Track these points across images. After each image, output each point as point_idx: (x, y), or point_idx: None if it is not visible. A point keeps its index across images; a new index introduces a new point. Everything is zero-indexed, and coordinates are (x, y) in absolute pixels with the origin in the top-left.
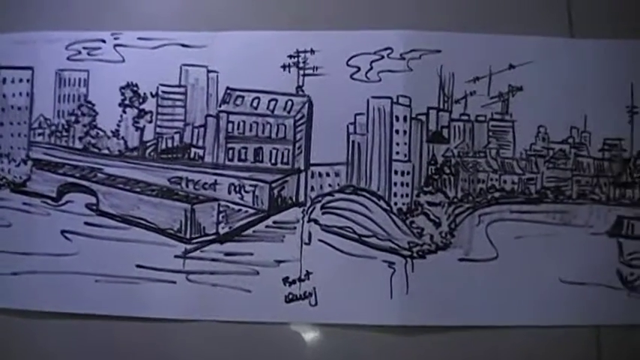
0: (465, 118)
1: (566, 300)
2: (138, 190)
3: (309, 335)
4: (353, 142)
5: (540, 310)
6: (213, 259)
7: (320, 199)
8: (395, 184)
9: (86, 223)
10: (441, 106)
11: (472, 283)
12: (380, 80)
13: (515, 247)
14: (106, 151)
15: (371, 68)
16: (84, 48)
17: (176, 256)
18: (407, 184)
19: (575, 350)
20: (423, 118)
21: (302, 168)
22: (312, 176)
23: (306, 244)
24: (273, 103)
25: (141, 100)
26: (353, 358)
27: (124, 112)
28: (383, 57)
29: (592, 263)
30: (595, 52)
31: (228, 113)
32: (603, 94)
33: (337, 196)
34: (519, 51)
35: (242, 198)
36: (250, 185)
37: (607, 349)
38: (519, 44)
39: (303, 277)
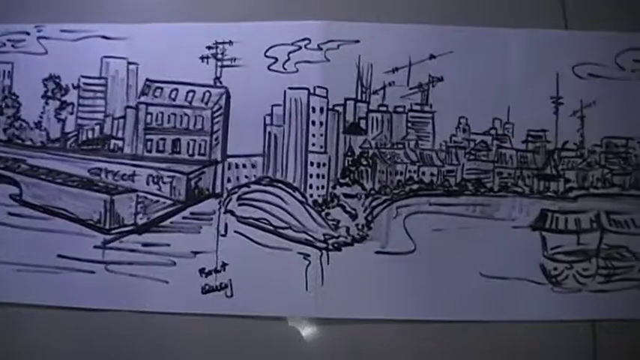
0: (384, 109)
1: (487, 294)
2: (59, 181)
3: (225, 327)
4: (269, 133)
5: (460, 304)
6: (132, 250)
7: (236, 190)
8: (311, 175)
9: (9, 214)
10: (359, 97)
11: (389, 277)
12: (297, 71)
13: (433, 240)
14: (29, 143)
15: (288, 59)
16: (8, 40)
17: (95, 247)
18: (323, 176)
19: (499, 346)
20: (340, 109)
21: (219, 159)
22: (229, 167)
23: (222, 235)
24: (191, 94)
25: (63, 92)
26: (268, 349)
27: (47, 103)
28: (300, 48)
29: (514, 257)
30: (519, 42)
31: (147, 105)
32: (527, 84)
33: (253, 187)
34: (440, 41)
35: (160, 189)
36: (168, 176)
37: (530, 346)
38: (440, 34)
39: (219, 268)
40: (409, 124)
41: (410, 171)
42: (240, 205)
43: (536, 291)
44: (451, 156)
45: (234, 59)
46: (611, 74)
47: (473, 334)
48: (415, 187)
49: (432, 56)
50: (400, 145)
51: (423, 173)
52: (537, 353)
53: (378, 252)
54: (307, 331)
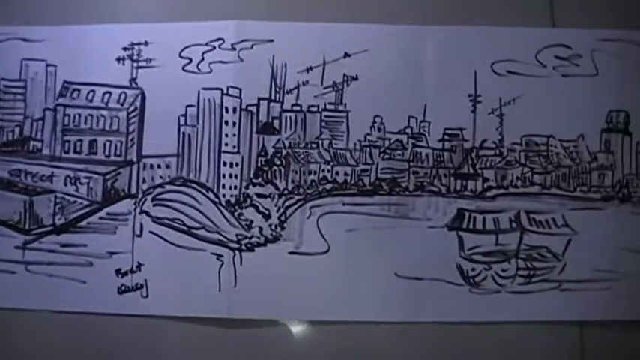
0: (297, 108)
1: (402, 295)
2: None
3: (141, 327)
4: (183, 133)
5: (375, 304)
6: (51, 250)
7: (151, 191)
8: (224, 175)
9: None
10: (273, 97)
11: (303, 277)
12: (211, 71)
13: (347, 240)
14: None
15: (202, 59)
16: None
17: (16, 247)
18: (235, 176)
19: (413, 346)
20: (254, 109)
21: (134, 160)
22: (144, 168)
23: (137, 235)
24: (107, 95)
25: None
26: (182, 350)
27: None
28: (214, 48)
29: (430, 258)
30: (436, 40)
31: (65, 106)
32: (444, 82)
33: (167, 187)
34: (355, 39)
35: (77, 190)
36: (85, 177)
37: (450, 346)
38: (355, 32)
39: (134, 268)
40: (323, 124)
41: (323, 171)
42: (154, 205)
43: (453, 292)
44: (365, 155)
45: (150, 60)
46: (531, 71)
47: (390, 334)
48: (329, 187)
49: (347, 55)
50: (314, 145)
51: (337, 173)
52: (459, 354)
53: (291, 252)
54: (220, 331)
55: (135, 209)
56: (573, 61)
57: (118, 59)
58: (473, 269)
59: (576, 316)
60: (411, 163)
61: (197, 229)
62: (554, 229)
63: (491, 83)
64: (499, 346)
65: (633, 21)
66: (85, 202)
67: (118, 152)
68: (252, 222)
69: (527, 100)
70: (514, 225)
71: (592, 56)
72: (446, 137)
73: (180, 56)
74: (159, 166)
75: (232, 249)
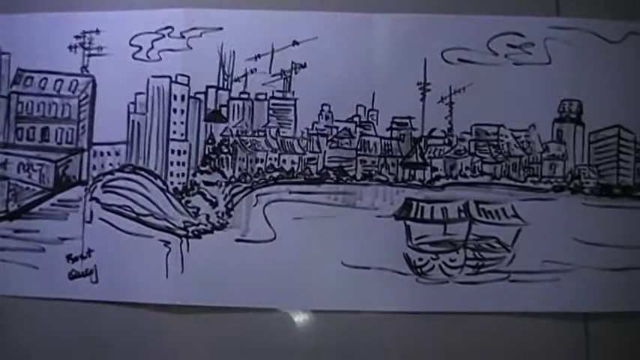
0: (245, 96)
1: (349, 284)
2: None
3: (91, 312)
4: (133, 121)
5: (322, 293)
6: (4, 236)
7: (101, 178)
8: (172, 163)
9: None
10: (221, 85)
11: (249, 265)
12: (160, 59)
13: (293, 228)
14: None
15: (152, 47)
16: None
17: None
18: (183, 164)
19: (357, 336)
20: (202, 96)
21: (85, 147)
22: (95, 155)
23: (87, 222)
24: (59, 83)
25: None
26: (128, 336)
27: None
28: (164, 36)
29: (377, 247)
30: (385, 27)
31: (19, 94)
32: (394, 70)
33: (117, 175)
34: (304, 27)
35: (30, 176)
36: (37, 164)
37: (394, 336)
38: (304, 20)
39: (85, 254)
40: (271, 112)
41: (271, 159)
42: (104, 192)
43: (400, 281)
44: (313, 144)
45: (101, 48)
46: (482, 59)
47: (338, 323)
48: (276, 175)
49: (296, 42)
50: (261, 133)
51: (284, 161)
52: (405, 344)
53: (238, 240)
54: (166, 317)
55: (85, 196)
56: (526, 50)
57: (70, 47)
58: (420, 259)
59: (525, 307)
60: (359, 152)
61: (145, 215)
62: (503, 220)
63: (442, 72)
64: (445, 337)
65: (587, 9)
66: (38, 189)
67: (69, 139)
68: (199, 209)
69: (477, 89)
70: (463, 215)
71: (545, 44)
72: (394, 126)
73: (131, 44)
74: (109, 154)
75: (179, 236)
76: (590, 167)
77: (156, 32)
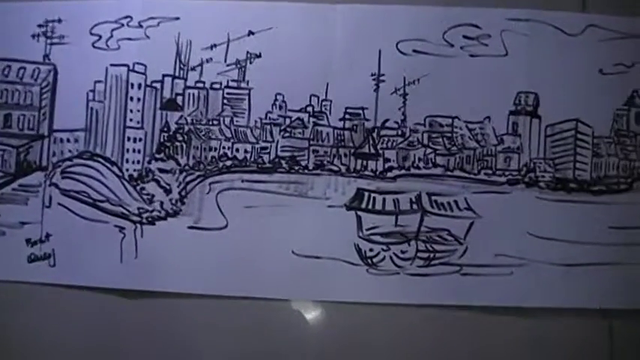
0: (200, 85)
1: (299, 273)
2: None
3: (49, 295)
4: (91, 109)
5: (272, 282)
6: None
7: (60, 164)
8: (127, 150)
9: None
10: (177, 74)
11: (201, 252)
12: (119, 48)
13: (245, 217)
14: None
15: (111, 36)
16: None
17: None
18: (139, 151)
19: (306, 326)
20: (158, 85)
21: (46, 134)
22: (55, 142)
23: (46, 207)
24: (22, 71)
25: None
26: (83, 319)
27: None
28: (123, 25)
29: (328, 237)
30: (341, 18)
31: None
32: (348, 61)
33: (75, 161)
34: (260, 17)
35: None
36: (0, 149)
37: (348, 326)
38: (260, 10)
39: (43, 238)
40: (225, 101)
41: (224, 147)
42: (63, 178)
43: (351, 272)
44: (266, 133)
45: (63, 37)
46: (437, 51)
47: (290, 311)
48: (228, 163)
49: (251, 33)
50: (215, 122)
51: (237, 150)
52: (357, 335)
53: (190, 227)
54: (120, 301)
55: (45, 181)
56: (482, 41)
57: (33, 36)
58: (371, 250)
59: (477, 301)
60: (312, 142)
61: (102, 201)
62: (456, 212)
63: (396, 63)
64: (394, 328)
65: (546, 1)
66: (0, 174)
67: (31, 126)
68: (153, 196)
69: (432, 81)
70: (415, 206)
71: (502, 36)
72: (347, 116)
73: (91, 33)
74: (68, 140)
75: (134, 222)
76: (546, 161)
77: (115, 21)
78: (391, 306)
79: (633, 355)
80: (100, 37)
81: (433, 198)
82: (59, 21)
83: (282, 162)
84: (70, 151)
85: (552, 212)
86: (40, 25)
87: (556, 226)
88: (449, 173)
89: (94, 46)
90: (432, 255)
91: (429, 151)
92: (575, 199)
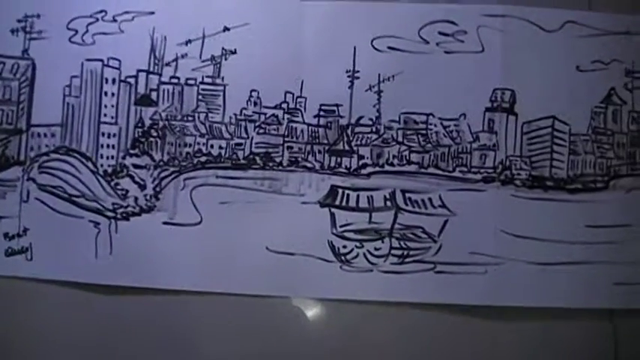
0: (175, 81)
1: (273, 269)
2: None
3: (25, 289)
4: (68, 104)
5: (246, 278)
6: None
7: (38, 159)
8: (102, 145)
9: None
10: (151, 69)
11: (176, 247)
12: (94, 43)
13: (220, 212)
14: None
15: (87, 31)
16: None
17: None
18: (113, 146)
19: (284, 323)
20: (133, 80)
21: (23, 129)
22: (32, 136)
23: (24, 201)
24: (1, 66)
25: None
26: (58, 314)
27: None
28: (98, 20)
29: (302, 233)
30: (316, 15)
31: None
32: (323, 58)
33: (52, 156)
34: (235, 13)
35: None
36: None
37: (318, 323)
38: (235, 6)
39: (21, 232)
40: (200, 97)
41: (199, 143)
42: (40, 173)
43: (324, 268)
44: (241, 129)
45: (41, 32)
46: (413, 48)
47: (267, 307)
48: (203, 159)
49: (227, 29)
50: (190, 118)
51: (212, 146)
52: (334, 332)
53: (165, 222)
54: (94, 297)
55: (23, 176)
56: (458, 38)
57: (12, 31)
58: (344, 246)
59: (451, 299)
60: (286, 138)
61: (77, 197)
62: (430, 210)
63: (371, 59)
64: (368, 325)
65: None
66: None
67: (9, 121)
68: (127, 192)
69: (407, 77)
70: (389, 203)
71: (478, 32)
72: (322, 113)
73: (68, 28)
74: (45, 135)
75: (108, 217)
76: (523, 158)
77: (90, 16)
78: (365, 303)
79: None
80: (77, 31)
81: (407, 195)
82: (38, 16)
83: (257, 158)
84: (47, 145)
85: (528, 210)
86: (19, 20)
87: (532, 224)
88: (423, 170)
89: (70, 41)
90: (405, 252)
91: (403, 148)
92: (551, 198)
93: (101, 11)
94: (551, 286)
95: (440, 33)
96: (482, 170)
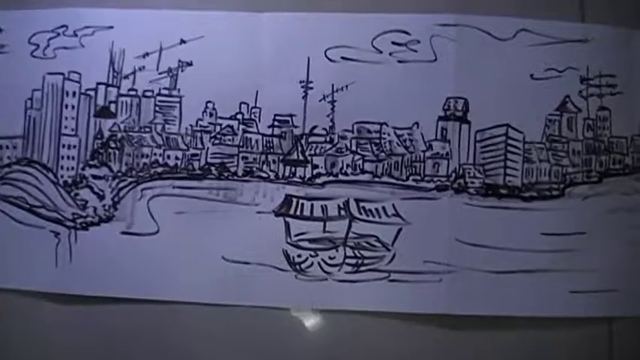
0: (133, 93)
1: (229, 279)
2: None
3: None
4: (29, 116)
5: (203, 287)
6: None
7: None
8: (62, 157)
9: None
10: (110, 82)
11: (134, 257)
12: (55, 57)
13: (176, 222)
14: None
15: (48, 45)
16: None
17: None
18: (73, 158)
19: (235, 330)
20: (92, 93)
21: None
22: None
23: None
24: None
25: None
26: (20, 323)
27: None
28: (59, 34)
29: (257, 242)
30: (270, 26)
31: None
32: (277, 68)
33: (14, 167)
34: (191, 26)
35: None
36: None
37: (273, 332)
38: (192, 19)
39: None
40: (157, 108)
41: (155, 154)
42: (2, 184)
43: (280, 277)
44: (196, 140)
45: (3, 46)
46: (366, 57)
47: (219, 315)
48: (160, 170)
49: (183, 41)
50: (147, 129)
51: (168, 157)
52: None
53: (123, 232)
54: (54, 307)
55: None
56: (411, 47)
57: None
58: (299, 255)
59: (405, 308)
60: (241, 149)
61: (38, 207)
62: (384, 218)
63: (325, 70)
64: (323, 334)
65: (473, 4)
66: None
67: None
68: (87, 202)
69: (360, 87)
70: (343, 212)
71: (431, 42)
72: (276, 123)
73: (30, 42)
74: (7, 147)
75: (68, 227)
76: (476, 167)
77: (52, 31)
78: (319, 312)
79: None
80: (38, 46)
81: (361, 204)
82: (0, 31)
83: (212, 168)
84: (8, 157)
85: (482, 219)
86: None
87: (486, 232)
88: (377, 179)
89: (32, 55)
90: (360, 261)
91: (357, 157)
92: (505, 206)
93: (62, 26)
94: (506, 294)
95: (393, 43)
96: (435, 179)
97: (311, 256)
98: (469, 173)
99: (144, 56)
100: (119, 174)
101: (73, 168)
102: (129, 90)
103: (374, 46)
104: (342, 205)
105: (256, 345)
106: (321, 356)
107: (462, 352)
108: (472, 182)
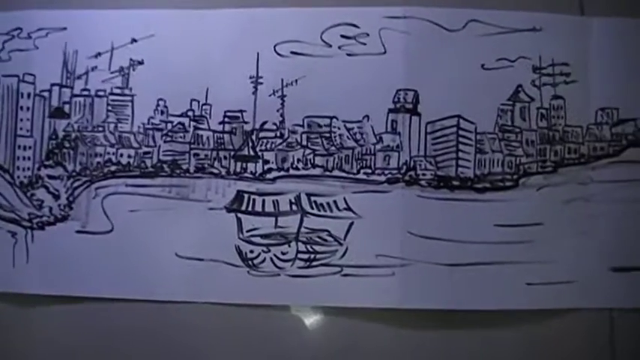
0: (86, 93)
1: (183, 276)
2: None
3: None
4: None
5: (157, 284)
6: None
7: None
8: (18, 157)
9: None
10: (64, 83)
11: (89, 255)
12: (10, 59)
13: (130, 220)
14: None
15: (3, 48)
16: None
17: None
18: (29, 158)
19: (191, 326)
20: (47, 94)
21: None
22: None
23: None
24: None
25: None
26: None
27: None
28: (14, 37)
29: (210, 239)
30: (220, 23)
31: None
32: (227, 65)
33: None
34: (142, 25)
35: None
36: None
37: (226, 328)
38: (142, 18)
39: None
40: (109, 108)
41: (109, 153)
42: None
43: (232, 273)
44: (149, 138)
45: None
46: (315, 51)
47: (180, 312)
48: (113, 168)
49: (134, 40)
50: (100, 128)
51: (121, 155)
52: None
53: (78, 231)
54: (12, 308)
55: None
56: (360, 40)
57: None
58: (251, 251)
59: (358, 302)
60: (192, 146)
61: None
62: (335, 212)
63: (274, 65)
64: (277, 330)
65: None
66: None
67: None
68: (43, 202)
69: (310, 81)
70: (294, 207)
71: (380, 34)
72: (226, 119)
73: None
74: None
75: (25, 227)
76: (427, 158)
77: (7, 33)
78: (272, 308)
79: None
80: None
81: (312, 199)
82: None
83: (164, 166)
84: None
85: (435, 211)
86: None
87: (439, 225)
88: (328, 173)
89: None
90: (312, 256)
91: (307, 151)
92: (458, 197)
93: (17, 29)
94: (461, 287)
95: (342, 36)
96: (386, 171)
97: (263, 251)
98: (420, 165)
99: (96, 56)
100: (74, 173)
101: (29, 168)
102: (82, 90)
103: (323, 40)
104: (293, 200)
105: (208, 340)
106: (276, 352)
107: (424, 348)
108: (424, 174)
